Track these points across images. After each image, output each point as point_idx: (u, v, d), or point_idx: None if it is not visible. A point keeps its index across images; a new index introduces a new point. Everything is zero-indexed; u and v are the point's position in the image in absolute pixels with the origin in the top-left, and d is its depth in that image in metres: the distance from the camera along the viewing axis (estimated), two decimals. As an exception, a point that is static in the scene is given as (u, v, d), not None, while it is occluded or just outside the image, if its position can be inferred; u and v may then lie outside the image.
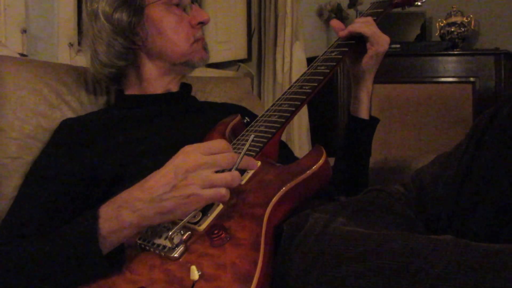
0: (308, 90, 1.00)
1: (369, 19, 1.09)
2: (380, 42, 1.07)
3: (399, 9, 1.25)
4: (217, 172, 0.73)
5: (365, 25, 1.07)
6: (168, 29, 1.09)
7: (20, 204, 0.94)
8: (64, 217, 0.89)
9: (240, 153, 0.77)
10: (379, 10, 1.14)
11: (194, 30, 1.11)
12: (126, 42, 1.07)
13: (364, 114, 1.15)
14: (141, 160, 0.95)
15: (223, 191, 0.72)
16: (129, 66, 1.11)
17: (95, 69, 1.12)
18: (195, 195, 0.71)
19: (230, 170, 0.75)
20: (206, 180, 0.71)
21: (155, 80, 1.12)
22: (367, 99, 1.15)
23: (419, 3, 1.21)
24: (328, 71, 1.03)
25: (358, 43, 1.09)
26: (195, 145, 0.75)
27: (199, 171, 0.71)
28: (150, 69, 1.12)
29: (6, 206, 1.01)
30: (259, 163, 0.86)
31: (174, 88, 1.16)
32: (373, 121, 1.16)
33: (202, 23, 1.13)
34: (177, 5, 1.10)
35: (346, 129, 1.18)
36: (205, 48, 1.15)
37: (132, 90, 1.15)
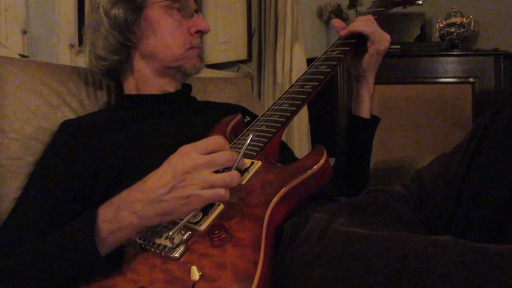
0: (309, 90, 1.00)
1: (370, 17, 1.09)
2: (380, 40, 1.08)
3: (399, 9, 1.25)
4: (216, 171, 0.73)
5: (365, 24, 1.08)
6: (164, 31, 1.09)
7: (22, 206, 0.94)
8: (66, 217, 0.89)
9: (239, 152, 0.77)
10: (380, 8, 1.14)
11: (191, 37, 1.12)
12: (121, 38, 1.08)
13: (365, 113, 1.15)
14: (142, 160, 0.95)
15: (222, 191, 0.72)
16: (123, 62, 1.12)
17: (91, 62, 1.14)
18: (195, 196, 0.70)
19: (229, 168, 0.74)
20: (205, 180, 0.71)
21: (150, 80, 1.13)
22: (369, 99, 1.15)
23: (420, 2, 1.21)
24: (329, 70, 1.03)
25: (358, 42, 1.09)
26: (192, 145, 0.74)
27: (198, 171, 0.71)
28: (143, 68, 1.12)
29: (7, 207, 1.02)
30: (260, 163, 0.86)
31: (171, 89, 1.16)
32: (374, 120, 1.16)
33: (201, 32, 1.13)
34: (179, 10, 1.11)
35: (347, 129, 1.18)
36: (200, 56, 1.14)
37: (130, 89, 1.15)
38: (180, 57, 1.11)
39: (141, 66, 1.12)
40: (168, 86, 1.15)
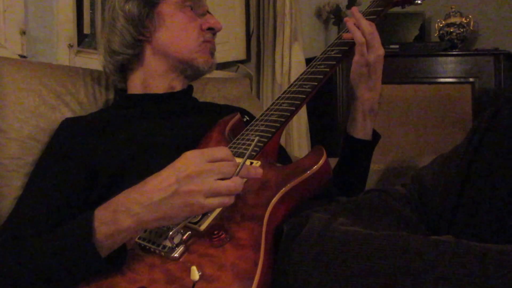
0: (308, 89, 1.00)
1: (362, 24, 1.04)
2: (372, 50, 1.04)
3: (398, 8, 1.24)
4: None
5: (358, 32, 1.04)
6: (177, 26, 1.11)
7: (22, 206, 0.94)
8: (67, 217, 0.88)
9: (238, 153, 0.77)
10: (379, 8, 1.13)
11: (203, 32, 1.13)
12: (135, 32, 1.10)
13: (358, 133, 1.10)
14: (142, 159, 0.95)
15: (227, 199, 0.71)
16: (135, 57, 1.13)
17: (105, 59, 1.16)
18: (199, 204, 0.69)
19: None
20: (210, 188, 0.69)
21: (159, 76, 1.13)
22: (362, 118, 1.08)
23: (419, 2, 1.19)
24: (328, 70, 1.03)
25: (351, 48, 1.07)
26: (197, 151, 0.73)
27: (201, 177, 0.70)
28: (154, 63, 1.13)
29: (6, 206, 1.02)
30: (259, 163, 0.86)
31: (178, 87, 1.16)
32: (367, 142, 1.11)
33: (213, 29, 1.15)
34: (191, 8, 1.13)
35: (341, 146, 1.14)
36: (212, 53, 1.15)
37: (135, 87, 1.15)
38: (193, 50, 1.12)
39: (152, 61, 1.13)
40: (176, 82, 1.15)
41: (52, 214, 0.90)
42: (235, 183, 0.71)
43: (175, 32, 1.11)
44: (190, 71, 1.15)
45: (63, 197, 0.93)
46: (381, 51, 1.04)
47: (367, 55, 1.04)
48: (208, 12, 1.17)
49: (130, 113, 1.10)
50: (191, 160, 0.71)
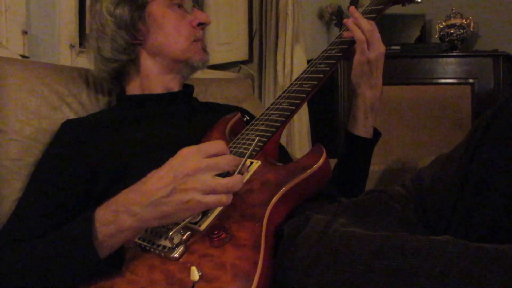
0: (308, 89, 1.00)
1: (364, 24, 1.05)
2: (372, 49, 1.05)
3: (399, 10, 1.24)
4: (217, 175, 0.72)
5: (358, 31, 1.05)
6: (169, 25, 1.10)
7: (23, 208, 0.94)
8: (67, 218, 0.89)
9: (239, 153, 0.76)
10: (380, 7, 1.13)
11: (194, 30, 1.13)
12: (128, 36, 1.09)
13: (358, 131, 1.10)
14: (142, 159, 0.94)
15: (224, 198, 0.70)
16: (130, 62, 1.13)
17: (98, 68, 1.14)
18: (196, 201, 0.69)
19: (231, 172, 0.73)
20: (207, 185, 0.69)
21: (156, 77, 1.13)
22: (363, 116, 1.09)
23: (419, 0, 1.19)
24: (328, 69, 1.03)
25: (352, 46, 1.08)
26: (193, 147, 0.73)
27: (199, 174, 0.69)
28: (150, 65, 1.13)
29: (7, 207, 1.01)
30: (259, 162, 0.86)
31: (175, 87, 1.16)
32: (368, 140, 1.11)
33: (203, 24, 1.14)
34: (179, 6, 1.12)
35: (342, 144, 1.15)
36: (204, 50, 1.15)
37: (133, 90, 1.15)
38: (187, 50, 1.11)
39: (148, 63, 1.13)
40: (173, 83, 1.15)
41: (52, 215, 0.90)
42: (234, 181, 0.70)
43: (167, 33, 1.10)
44: (186, 70, 1.15)
45: (64, 198, 0.93)
46: (382, 49, 1.05)
47: (368, 53, 1.05)
48: (193, 6, 1.16)
49: (130, 113, 1.10)
50: (187, 157, 0.71)
